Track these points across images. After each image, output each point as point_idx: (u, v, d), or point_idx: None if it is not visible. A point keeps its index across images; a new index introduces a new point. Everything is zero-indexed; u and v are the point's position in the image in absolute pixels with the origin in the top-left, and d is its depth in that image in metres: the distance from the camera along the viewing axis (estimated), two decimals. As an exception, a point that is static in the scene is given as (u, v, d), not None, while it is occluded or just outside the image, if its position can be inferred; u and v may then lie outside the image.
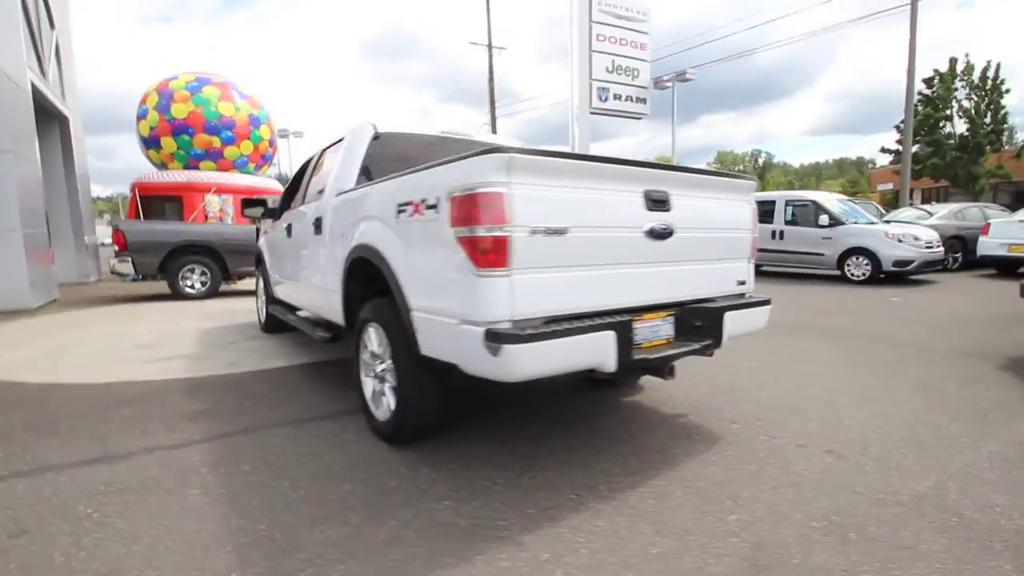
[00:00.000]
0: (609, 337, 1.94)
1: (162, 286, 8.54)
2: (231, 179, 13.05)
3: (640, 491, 2.10)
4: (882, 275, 8.89)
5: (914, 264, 8.72)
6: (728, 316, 2.39)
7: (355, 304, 2.93)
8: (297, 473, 2.27)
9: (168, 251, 8.01)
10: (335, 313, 3.10)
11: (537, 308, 1.88)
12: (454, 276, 1.90)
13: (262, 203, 4.69)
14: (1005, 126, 24.38)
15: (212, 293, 8.45)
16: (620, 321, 1.98)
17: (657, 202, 2.18)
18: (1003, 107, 24.09)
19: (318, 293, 3.39)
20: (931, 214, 11.65)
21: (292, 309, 4.68)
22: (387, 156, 3.25)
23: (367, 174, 3.13)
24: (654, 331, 2.22)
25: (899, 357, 4.10)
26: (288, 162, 31.74)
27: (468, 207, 1.80)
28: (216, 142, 12.66)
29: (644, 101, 17.39)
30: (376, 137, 3.20)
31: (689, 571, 1.61)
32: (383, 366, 2.56)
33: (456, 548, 1.73)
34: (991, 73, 24.14)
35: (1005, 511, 1.92)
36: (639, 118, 17.31)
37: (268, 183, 14.22)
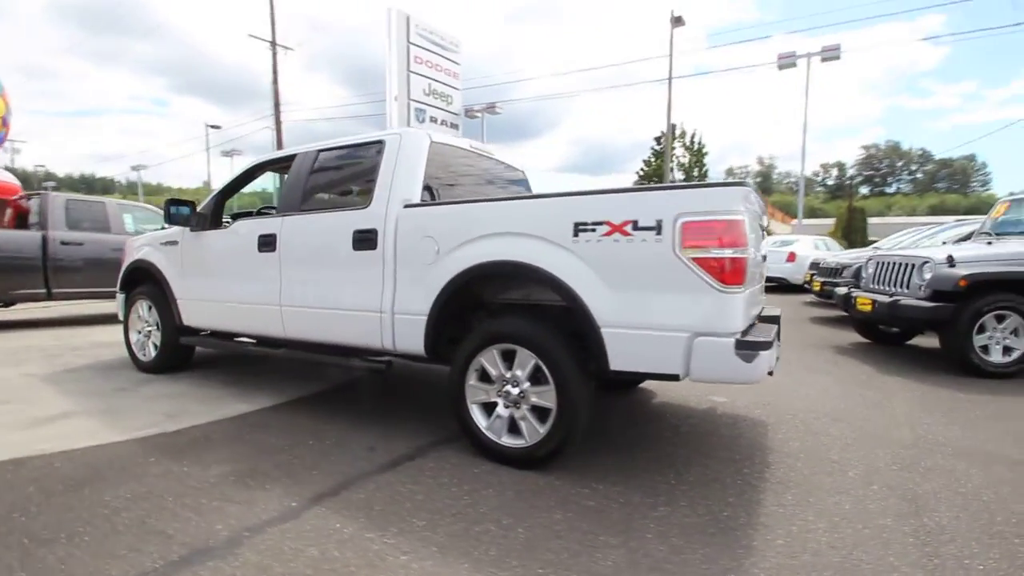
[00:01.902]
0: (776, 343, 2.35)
1: None
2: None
3: (792, 470, 2.50)
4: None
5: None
6: (780, 322, 3.04)
7: (441, 328, 2.70)
8: (483, 516, 2.06)
9: None
10: (407, 338, 2.76)
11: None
12: (684, 294, 2.07)
13: (190, 206, 3.69)
14: (706, 178, 33.01)
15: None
16: (778, 329, 2.42)
17: (763, 229, 2.70)
18: (705, 165, 32.63)
19: (357, 317, 2.94)
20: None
21: (228, 337, 3.80)
22: (433, 165, 3.06)
23: None
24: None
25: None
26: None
27: (713, 231, 2.01)
28: (-88, 111, 8.80)
29: (456, 127, 18.32)
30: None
31: (911, 512, 2.09)
32: (518, 390, 2.46)
33: (734, 541, 1.90)
34: (697, 138, 32.51)
35: (996, 447, 2.86)
36: (452, 143, 18.13)
37: (2, 176, 10.41)
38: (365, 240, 2.89)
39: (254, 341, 3.75)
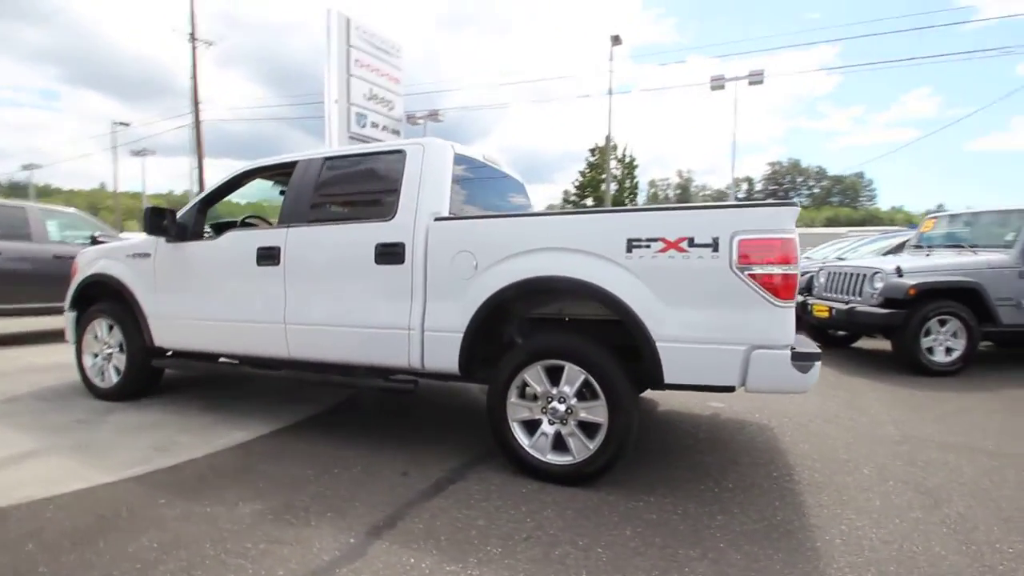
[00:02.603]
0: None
1: None
2: None
3: (815, 471, 2.68)
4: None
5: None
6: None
7: (477, 345, 2.64)
8: (555, 538, 2.02)
9: None
10: (439, 356, 2.66)
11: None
12: (741, 308, 2.16)
13: (169, 214, 3.34)
14: (637, 189, 34.67)
15: None
16: (804, 339, 2.57)
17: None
18: (636, 177, 34.23)
19: (379, 335, 2.79)
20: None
21: (211, 358, 3.49)
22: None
23: None
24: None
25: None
26: None
27: (769, 248, 2.12)
28: None
29: (398, 133, 17.98)
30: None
31: (932, 505, 2.29)
32: (564, 406, 2.45)
33: (799, 544, 1.99)
34: (628, 152, 34.06)
35: (970, 440, 3.22)
36: (393, 149, 17.79)
37: None
38: (391, 254, 2.76)
39: (237, 362, 3.47)
